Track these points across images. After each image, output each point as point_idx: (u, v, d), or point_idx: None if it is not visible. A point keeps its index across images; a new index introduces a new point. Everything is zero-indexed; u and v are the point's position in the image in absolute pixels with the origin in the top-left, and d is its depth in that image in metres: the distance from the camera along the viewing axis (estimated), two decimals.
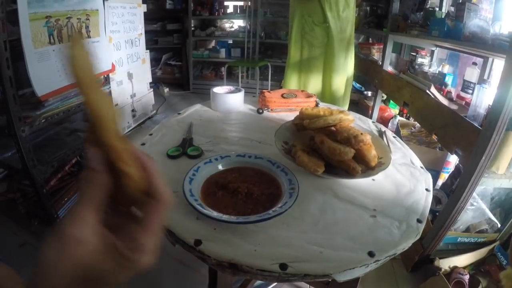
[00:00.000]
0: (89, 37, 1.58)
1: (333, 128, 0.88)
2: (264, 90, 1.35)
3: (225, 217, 0.63)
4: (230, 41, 4.59)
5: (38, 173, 1.53)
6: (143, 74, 3.19)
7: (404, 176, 0.84)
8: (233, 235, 0.62)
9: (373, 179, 0.81)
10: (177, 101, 4.33)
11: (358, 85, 3.50)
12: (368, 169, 0.80)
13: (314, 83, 2.14)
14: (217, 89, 1.30)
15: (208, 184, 0.75)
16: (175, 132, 1.10)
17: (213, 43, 4.79)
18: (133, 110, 3.05)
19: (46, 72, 1.38)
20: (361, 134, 0.80)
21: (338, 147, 0.78)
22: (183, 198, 0.67)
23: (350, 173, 0.78)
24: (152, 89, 3.44)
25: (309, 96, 1.32)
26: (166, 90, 4.54)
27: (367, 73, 2.79)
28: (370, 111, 2.67)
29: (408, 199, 0.75)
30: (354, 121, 0.94)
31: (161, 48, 4.71)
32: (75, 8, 1.47)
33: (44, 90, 1.38)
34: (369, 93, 3.39)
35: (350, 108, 2.16)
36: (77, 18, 1.48)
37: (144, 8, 3.11)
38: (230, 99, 1.30)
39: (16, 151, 1.46)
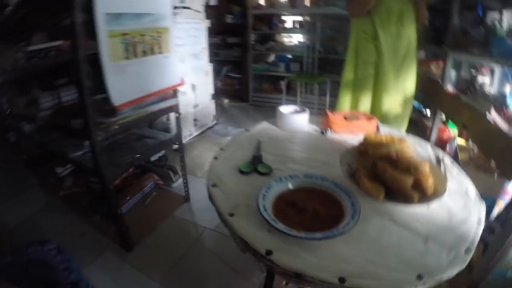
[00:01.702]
0: (160, 52, 1.72)
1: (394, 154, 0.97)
2: (327, 111, 1.44)
3: (294, 232, 0.74)
4: (289, 56, 4.64)
5: (108, 174, 1.69)
6: (206, 85, 3.43)
7: (458, 205, 0.89)
8: (299, 248, 0.72)
9: (427, 207, 0.87)
10: (236, 113, 4.46)
11: (417, 103, 3.42)
12: (424, 197, 0.86)
13: (365, 103, 2.13)
14: (284, 109, 1.40)
15: (279, 201, 0.87)
16: (244, 148, 1.24)
17: (272, 57, 4.89)
18: (195, 120, 3.26)
19: (122, 84, 1.53)
20: (420, 164, 0.89)
21: (399, 176, 0.87)
22: (257, 212, 0.80)
23: (407, 200, 0.85)
24: (213, 100, 3.64)
25: (370, 118, 1.38)
26: (226, 101, 4.68)
27: (426, 92, 2.72)
28: (428, 132, 2.62)
29: (459, 228, 0.81)
30: (413, 148, 1.00)
31: (222, 61, 4.86)
32: (148, 26, 1.62)
33: (120, 100, 1.53)
34: (428, 113, 3.27)
35: (408, 128, 2.16)
36: (150, 35, 1.63)
37: (207, 23, 3.30)
38: (296, 119, 1.40)
39: (91, 152, 1.64)
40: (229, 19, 4.80)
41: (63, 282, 0.91)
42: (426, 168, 0.90)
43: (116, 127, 1.62)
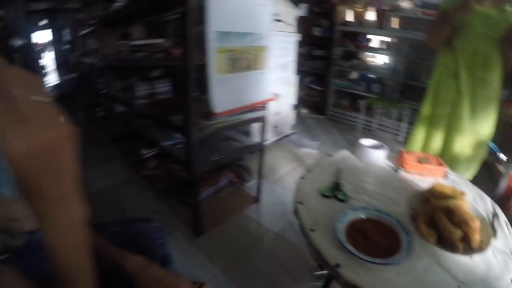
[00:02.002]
0: (257, 69, 1.92)
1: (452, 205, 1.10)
2: (403, 151, 1.55)
3: (359, 254, 0.93)
4: (372, 76, 4.58)
5: (197, 167, 1.91)
6: (289, 95, 3.58)
7: (498, 262, 0.98)
8: (361, 268, 0.92)
9: (470, 257, 0.99)
10: (313, 125, 4.54)
11: (492, 144, 3.30)
12: (469, 248, 1.00)
13: (437, 141, 2.13)
14: (364, 142, 1.55)
15: (351, 226, 1.07)
16: (327, 173, 1.42)
17: (354, 75, 4.84)
18: (274, 126, 3.41)
19: (223, 94, 1.74)
20: (472, 220, 1.03)
21: (450, 228, 1.02)
22: (333, 231, 1.02)
23: (454, 249, 0.99)
24: (294, 111, 3.77)
25: (440, 164, 1.48)
26: (305, 111, 4.80)
27: (503, 136, 2.66)
28: (499, 178, 2.55)
29: (493, 283, 0.91)
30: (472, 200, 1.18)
31: (305, 71, 4.88)
32: (250, 44, 1.81)
33: (220, 108, 1.73)
34: (504, 158, 3.13)
35: (479, 170, 2.16)
36: (251, 53, 1.83)
37: (297, 37, 3.43)
38: (374, 154, 1.53)
39: (181, 144, 1.90)
40: (316, 31, 4.87)
41: (156, 254, 1.10)
42: (476, 225, 1.02)
43: (211, 129, 1.84)
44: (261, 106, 2.07)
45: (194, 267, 1.92)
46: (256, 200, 2.57)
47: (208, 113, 1.77)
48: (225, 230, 2.27)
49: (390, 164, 1.56)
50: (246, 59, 1.82)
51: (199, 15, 1.59)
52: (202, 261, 1.97)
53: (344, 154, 1.64)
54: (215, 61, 1.65)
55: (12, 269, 0.55)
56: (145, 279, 0.85)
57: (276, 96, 2.13)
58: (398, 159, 1.54)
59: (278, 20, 3.13)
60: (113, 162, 3.59)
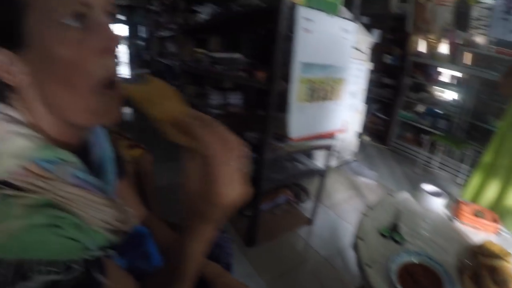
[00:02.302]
0: (333, 99, 1.99)
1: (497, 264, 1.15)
2: (461, 201, 1.57)
3: None
4: (438, 110, 4.42)
5: (263, 185, 2.01)
6: (355, 123, 3.56)
7: None
8: None
9: None
10: (374, 154, 4.49)
11: None
12: None
13: (492, 192, 2.07)
14: (425, 187, 1.58)
15: (403, 268, 1.15)
16: (387, 213, 1.49)
17: (421, 108, 4.69)
18: (337, 152, 3.44)
19: (300, 122, 1.83)
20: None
21: (490, 286, 1.07)
22: (386, 270, 1.11)
23: None
24: (358, 138, 3.75)
25: (495, 220, 1.49)
26: (367, 139, 4.72)
27: None
28: None
29: None
30: None
31: (372, 98, 4.79)
32: (330, 76, 1.89)
33: (296, 134, 1.82)
34: None
35: None
36: (329, 84, 1.91)
37: (370, 66, 3.42)
38: (433, 201, 1.57)
39: (255, 163, 1.99)
40: (387, 59, 4.80)
41: (222, 262, 1.18)
42: None
43: (282, 151, 1.94)
44: (332, 135, 2.14)
45: (242, 276, 1.98)
46: (310, 222, 2.60)
47: (282, 136, 1.88)
48: (276, 246, 2.33)
49: (447, 212, 1.58)
50: (324, 90, 1.90)
51: (286, 45, 1.70)
52: (249, 271, 2.06)
53: (404, 196, 1.68)
54: (296, 90, 1.75)
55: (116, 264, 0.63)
56: (220, 287, 0.93)
57: (346, 126, 2.19)
58: (454, 209, 1.56)
59: (355, 49, 3.17)
60: (178, 161, 3.77)
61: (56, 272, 0.45)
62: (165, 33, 5.00)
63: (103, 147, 0.76)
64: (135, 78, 7.43)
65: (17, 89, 0.53)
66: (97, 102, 0.56)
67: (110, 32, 0.55)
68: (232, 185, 0.51)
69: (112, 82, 0.57)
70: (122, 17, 10.98)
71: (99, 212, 0.58)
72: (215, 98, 3.01)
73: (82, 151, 0.67)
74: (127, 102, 0.56)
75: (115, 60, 0.58)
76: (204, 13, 3.02)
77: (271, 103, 1.77)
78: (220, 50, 3.35)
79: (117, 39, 0.56)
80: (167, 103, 0.53)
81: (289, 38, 1.70)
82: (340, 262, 2.22)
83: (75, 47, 0.51)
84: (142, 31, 10.20)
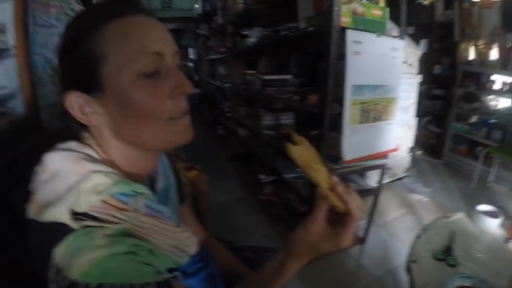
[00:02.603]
0: (386, 119, 2.01)
1: None
2: None
3: None
4: (493, 120, 4.15)
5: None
6: (406, 138, 3.49)
7: None
8: None
9: None
10: (426, 169, 4.30)
11: None
12: None
13: None
14: (481, 207, 1.57)
15: None
16: (441, 235, 1.49)
17: (474, 119, 4.48)
18: (389, 169, 3.30)
19: (353, 144, 1.86)
20: None
21: None
22: None
23: None
24: (410, 154, 3.63)
25: None
26: (419, 153, 4.49)
27: None
28: None
29: None
30: None
31: (422, 111, 4.50)
32: (381, 96, 1.92)
33: (349, 156, 1.86)
34: None
35: None
36: (381, 104, 1.94)
37: (419, 78, 3.35)
38: (489, 222, 1.54)
39: (309, 184, 2.05)
40: (437, 69, 4.64)
41: None
42: None
43: (336, 173, 1.98)
44: (385, 155, 2.15)
45: None
46: (362, 241, 2.55)
47: (335, 157, 1.92)
48: (327, 265, 2.29)
49: (503, 233, 1.54)
50: (376, 111, 1.94)
51: (336, 67, 1.76)
52: None
53: (459, 216, 1.66)
54: (348, 112, 1.79)
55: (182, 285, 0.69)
56: None
57: (399, 144, 2.20)
58: (510, 229, 1.52)
59: (403, 62, 3.13)
60: (228, 180, 3.92)
61: None
62: (214, 56, 5.20)
63: (168, 176, 0.86)
64: None
65: (92, 129, 0.63)
66: (170, 132, 0.63)
67: (181, 77, 0.63)
68: (351, 237, 0.67)
69: (184, 112, 0.65)
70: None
71: (168, 238, 0.65)
72: (267, 119, 3.07)
73: (150, 181, 0.78)
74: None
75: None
76: (253, 36, 3.14)
77: (324, 126, 1.83)
78: (269, 71, 3.44)
79: (187, 83, 0.63)
80: (320, 167, 0.67)
81: (339, 59, 1.76)
82: (392, 284, 2.18)
83: (148, 91, 0.59)
84: (192, 53, 10.62)
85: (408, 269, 1.28)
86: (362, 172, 2.55)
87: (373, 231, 2.62)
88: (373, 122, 1.97)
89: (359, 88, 1.82)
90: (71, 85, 0.59)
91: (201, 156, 4.97)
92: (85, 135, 0.64)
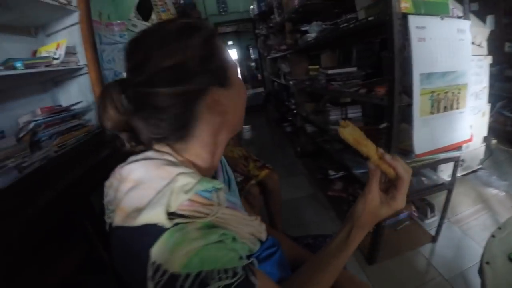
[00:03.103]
0: (457, 108, 1.90)
1: None
2: None
3: None
4: None
5: None
6: (480, 127, 3.23)
7: None
8: None
9: None
10: (504, 159, 3.88)
11: None
12: None
13: None
14: None
15: None
16: None
17: None
18: (462, 161, 3.14)
19: (424, 136, 1.78)
20: None
21: None
22: None
23: None
24: (484, 143, 3.37)
25: None
26: (494, 142, 4.13)
27: None
28: None
29: None
30: None
31: (495, 95, 4.20)
32: (451, 83, 1.82)
33: (420, 150, 1.78)
34: None
35: None
36: (451, 92, 1.84)
37: (489, 59, 3.10)
38: None
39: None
40: (507, 47, 4.29)
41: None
42: None
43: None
44: (459, 146, 2.03)
45: None
46: (433, 239, 2.41)
47: (405, 150, 1.85)
48: (396, 265, 2.22)
49: None
50: (447, 99, 1.83)
51: (401, 56, 1.69)
52: None
53: None
54: (418, 103, 1.72)
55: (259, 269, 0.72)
56: (343, 282, 1.02)
57: (472, 135, 2.04)
58: None
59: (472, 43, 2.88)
60: (297, 176, 3.95)
61: (227, 277, 0.57)
62: (276, 54, 5.22)
63: (226, 170, 0.98)
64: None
65: (188, 131, 0.73)
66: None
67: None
68: (404, 197, 0.77)
69: None
70: (231, 42, 11.93)
71: (246, 226, 0.73)
72: (334, 114, 3.09)
73: (215, 176, 0.88)
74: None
75: None
76: (312, 31, 3.12)
77: (393, 118, 1.77)
78: (332, 65, 3.41)
79: None
80: (368, 142, 0.77)
81: (403, 48, 1.69)
82: (463, 286, 2.01)
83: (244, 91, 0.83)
84: (253, 53, 10.78)
85: (481, 272, 1.17)
86: (434, 165, 2.43)
87: (445, 229, 2.46)
88: (444, 112, 1.86)
89: (427, 76, 1.73)
90: (214, 83, 0.72)
91: (269, 154, 5.10)
92: (157, 145, 0.74)
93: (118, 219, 0.64)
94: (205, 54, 0.70)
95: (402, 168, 0.76)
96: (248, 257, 0.69)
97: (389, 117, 1.79)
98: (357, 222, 0.79)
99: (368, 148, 0.77)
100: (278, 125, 6.42)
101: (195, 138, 0.73)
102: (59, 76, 2.28)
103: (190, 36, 0.70)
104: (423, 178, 2.30)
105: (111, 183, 0.71)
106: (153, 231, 0.58)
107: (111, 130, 0.72)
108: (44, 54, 2.02)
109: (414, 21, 1.65)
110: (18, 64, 1.58)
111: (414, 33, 1.65)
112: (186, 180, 0.63)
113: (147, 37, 0.71)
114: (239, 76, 0.82)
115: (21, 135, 1.73)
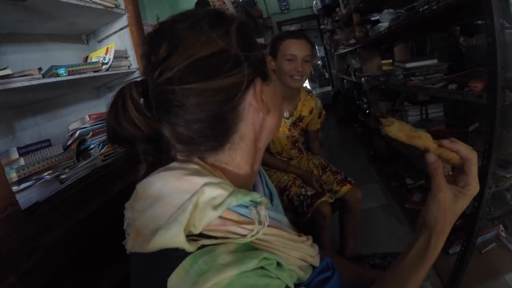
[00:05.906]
0: None
1: None
2: None
3: None
4: None
5: (480, 224, 1.64)
6: None
7: None
8: None
9: None
10: None
11: None
12: None
13: None
14: None
15: None
16: None
17: None
18: None
19: None
20: None
21: None
22: None
23: None
24: None
25: None
26: None
27: None
28: None
29: None
30: None
31: None
32: None
33: None
34: None
35: None
36: None
37: None
38: None
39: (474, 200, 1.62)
40: None
41: None
42: None
43: (507, 183, 1.52)
44: None
45: None
46: None
47: (506, 162, 1.49)
48: None
49: None
50: None
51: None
52: None
53: None
54: None
55: None
56: None
57: None
58: None
59: None
60: (371, 183, 3.58)
61: None
62: (344, 49, 4.91)
63: (267, 183, 0.82)
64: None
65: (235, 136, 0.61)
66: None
67: None
68: (477, 179, 0.66)
69: None
70: None
71: (293, 250, 0.59)
72: (412, 114, 2.81)
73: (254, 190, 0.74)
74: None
75: None
76: (384, 19, 2.84)
77: (495, 120, 1.40)
78: (406, 58, 3.09)
79: None
80: (421, 133, 0.66)
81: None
82: None
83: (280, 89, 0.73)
84: (319, 51, 10.54)
85: None
86: None
87: None
88: None
89: None
90: (257, 75, 0.61)
91: (338, 157, 4.75)
92: (180, 154, 0.60)
93: (131, 244, 0.53)
94: (244, 41, 0.59)
95: (466, 149, 0.66)
96: (297, 286, 0.58)
97: (491, 118, 1.42)
98: (435, 227, 0.66)
99: (424, 139, 0.66)
100: (347, 126, 6.04)
101: (235, 144, 0.61)
102: (112, 81, 2.24)
103: (226, 21, 0.60)
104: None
105: (129, 204, 0.59)
106: (171, 257, 0.47)
107: (130, 136, 0.57)
108: (94, 60, 1.97)
109: None
110: (62, 71, 1.53)
111: None
112: (215, 192, 0.51)
113: (176, 23, 0.59)
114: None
115: (69, 143, 1.67)
